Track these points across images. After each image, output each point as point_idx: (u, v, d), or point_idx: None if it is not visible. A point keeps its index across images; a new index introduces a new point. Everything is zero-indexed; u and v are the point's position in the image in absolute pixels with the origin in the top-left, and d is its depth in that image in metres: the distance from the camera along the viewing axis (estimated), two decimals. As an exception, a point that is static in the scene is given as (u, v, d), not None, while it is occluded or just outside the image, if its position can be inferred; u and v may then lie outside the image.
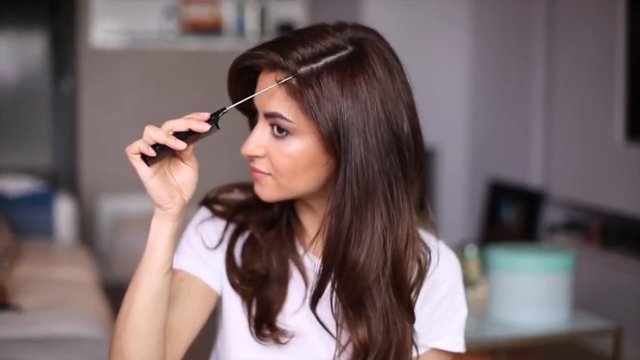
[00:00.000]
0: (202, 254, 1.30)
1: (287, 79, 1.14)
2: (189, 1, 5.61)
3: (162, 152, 1.10)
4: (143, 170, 1.10)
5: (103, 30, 5.59)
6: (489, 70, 5.33)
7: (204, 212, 1.34)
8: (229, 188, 1.35)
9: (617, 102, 4.17)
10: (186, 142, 1.09)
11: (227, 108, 1.13)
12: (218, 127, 1.11)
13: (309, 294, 1.24)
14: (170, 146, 1.08)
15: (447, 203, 5.52)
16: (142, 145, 1.09)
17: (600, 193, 4.32)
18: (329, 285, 1.19)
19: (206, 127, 1.09)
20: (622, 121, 4.15)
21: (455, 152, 5.52)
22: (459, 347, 1.30)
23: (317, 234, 1.20)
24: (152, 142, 1.09)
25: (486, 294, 2.97)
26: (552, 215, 4.81)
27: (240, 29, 5.69)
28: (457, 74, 5.50)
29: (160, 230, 1.15)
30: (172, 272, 1.21)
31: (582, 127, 4.47)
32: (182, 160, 1.15)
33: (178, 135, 1.09)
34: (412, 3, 5.36)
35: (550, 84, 4.76)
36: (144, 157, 1.10)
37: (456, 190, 5.55)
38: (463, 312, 1.31)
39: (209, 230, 1.32)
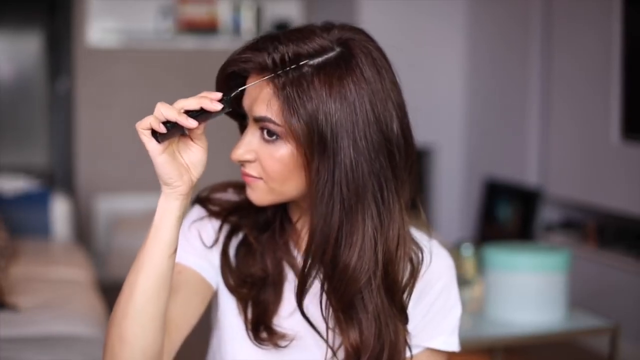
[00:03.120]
0: (199, 249, 1.29)
1: (268, 77, 1.13)
2: (184, 0, 5.61)
3: (173, 130, 1.08)
4: (153, 145, 1.08)
5: (99, 30, 5.58)
6: (486, 69, 5.33)
7: (198, 210, 1.33)
8: (223, 187, 1.35)
9: (613, 101, 4.17)
10: (197, 121, 1.08)
11: (240, 88, 1.13)
12: (230, 108, 1.10)
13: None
14: (182, 124, 1.07)
15: (444, 202, 5.53)
16: (153, 121, 1.07)
17: (597, 192, 4.33)
18: (319, 287, 1.19)
19: (219, 106, 1.08)
20: (619, 120, 4.15)
21: (451, 151, 5.52)
22: (454, 346, 1.30)
23: (300, 230, 1.20)
24: (163, 119, 1.07)
25: (482, 292, 2.98)
26: (548, 214, 4.81)
27: (236, 28, 5.69)
28: (453, 72, 5.50)
29: (168, 209, 1.12)
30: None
31: (579, 126, 4.47)
32: (192, 140, 1.14)
33: (189, 113, 1.08)
34: (408, 2, 5.36)
35: (546, 83, 4.77)
36: (154, 134, 1.08)
37: (452, 188, 5.56)
38: (457, 311, 1.30)
39: (206, 227, 1.31)
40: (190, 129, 1.09)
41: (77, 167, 5.66)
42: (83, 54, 5.59)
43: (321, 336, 1.22)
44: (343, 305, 1.17)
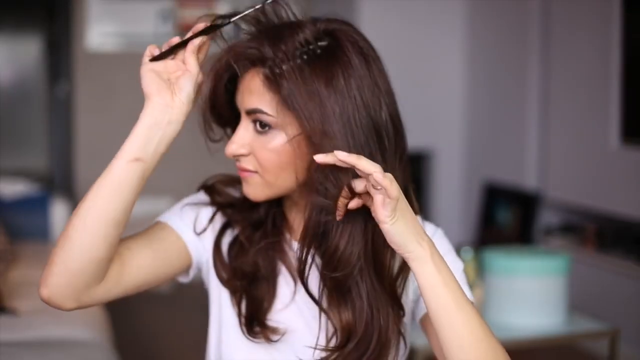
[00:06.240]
0: (190, 224, 1.31)
1: (259, 66, 1.19)
2: (184, 4, 5.62)
3: (165, 52, 1.26)
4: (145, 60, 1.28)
5: (99, 34, 5.59)
6: (485, 73, 5.33)
7: (202, 196, 1.35)
8: (229, 179, 1.36)
9: (612, 105, 4.18)
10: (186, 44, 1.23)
11: (231, 19, 1.23)
12: (221, 25, 1.23)
13: (298, 289, 1.27)
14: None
15: (443, 205, 5.53)
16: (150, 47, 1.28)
17: (596, 195, 4.33)
18: (315, 270, 1.21)
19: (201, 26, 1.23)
20: (617, 124, 4.15)
21: (451, 155, 5.52)
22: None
23: (294, 224, 1.24)
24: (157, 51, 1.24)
25: (482, 296, 2.98)
26: (547, 217, 4.81)
27: (236, 32, 5.69)
28: (452, 76, 5.50)
29: (141, 117, 1.20)
30: (158, 222, 1.27)
31: (578, 130, 4.47)
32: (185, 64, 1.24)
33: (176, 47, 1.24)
34: (408, 6, 5.36)
35: (545, 87, 4.77)
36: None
37: (452, 192, 5.56)
38: (459, 266, 1.30)
39: (206, 213, 1.33)
40: (178, 51, 1.24)
41: (77, 171, 5.66)
42: (82, 57, 5.59)
43: (321, 309, 1.22)
44: (336, 285, 1.19)
